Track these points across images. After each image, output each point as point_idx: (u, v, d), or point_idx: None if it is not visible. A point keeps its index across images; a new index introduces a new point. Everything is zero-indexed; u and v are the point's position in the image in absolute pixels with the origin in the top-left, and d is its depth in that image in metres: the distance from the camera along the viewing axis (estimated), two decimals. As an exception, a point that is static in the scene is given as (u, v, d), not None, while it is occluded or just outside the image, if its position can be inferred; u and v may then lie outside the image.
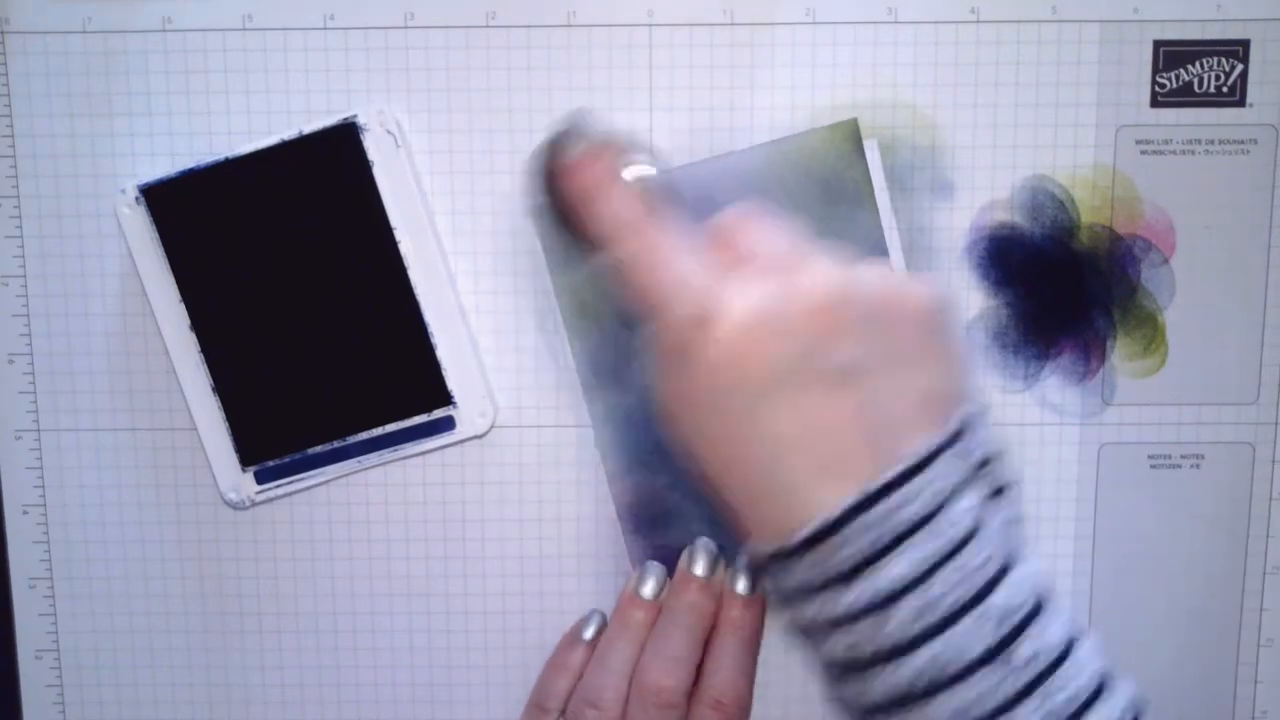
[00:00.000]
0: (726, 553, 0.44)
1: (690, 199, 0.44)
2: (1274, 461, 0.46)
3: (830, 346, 0.33)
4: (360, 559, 0.47)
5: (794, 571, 0.33)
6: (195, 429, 0.45)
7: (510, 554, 0.47)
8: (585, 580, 0.47)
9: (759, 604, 0.44)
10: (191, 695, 0.48)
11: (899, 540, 0.31)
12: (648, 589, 0.44)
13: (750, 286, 0.33)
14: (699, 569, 0.44)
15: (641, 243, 0.36)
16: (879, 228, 0.44)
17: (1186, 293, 0.45)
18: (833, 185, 0.44)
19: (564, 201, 0.38)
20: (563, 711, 0.44)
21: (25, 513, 0.47)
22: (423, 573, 0.47)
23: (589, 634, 0.46)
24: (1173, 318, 0.45)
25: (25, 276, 0.45)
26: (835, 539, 0.32)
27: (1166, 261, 0.45)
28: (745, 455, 0.33)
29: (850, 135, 0.44)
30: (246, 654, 0.48)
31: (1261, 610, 0.47)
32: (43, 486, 0.47)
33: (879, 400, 0.33)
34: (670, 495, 0.46)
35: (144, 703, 0.48)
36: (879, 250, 0.44)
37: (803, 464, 0.32)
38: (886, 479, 0.32)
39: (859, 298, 0.33)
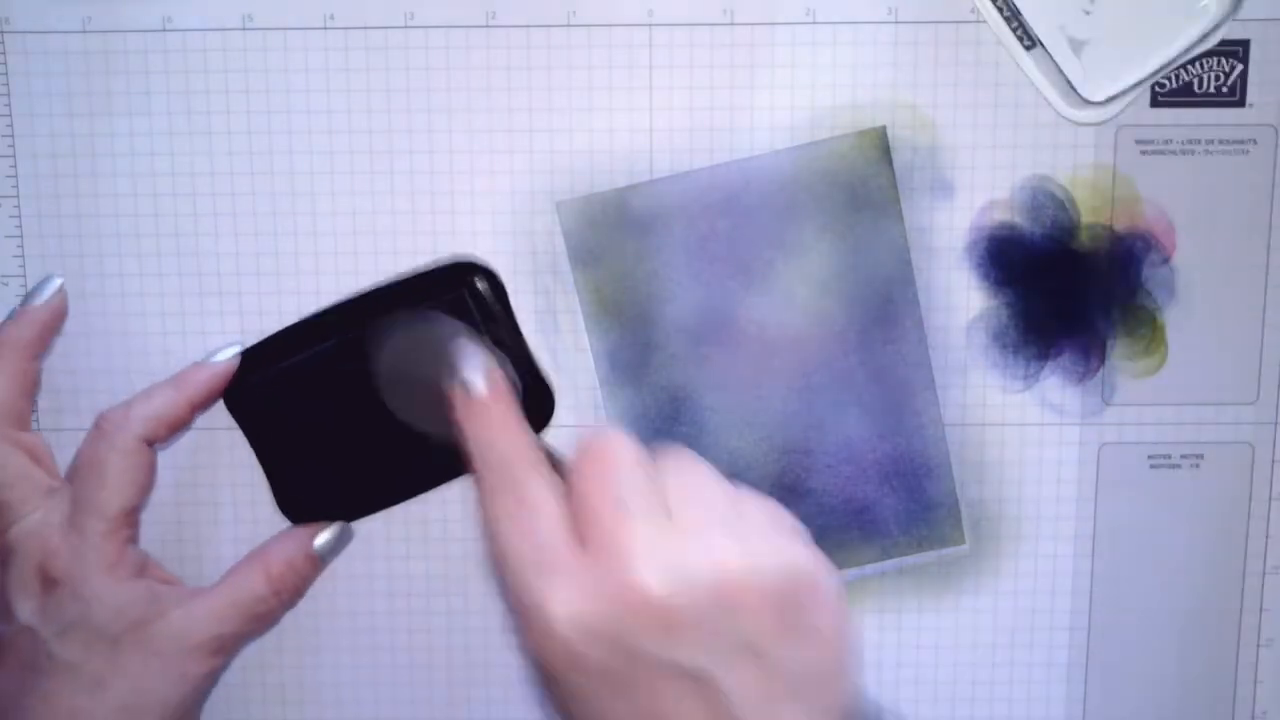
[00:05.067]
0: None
1: (715, 200, 0.44)
2: (1274, 461, 0.46)
3: (673, 648, 0.30)
4: (360, 558, 0.47)
5: None
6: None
7: (510, 554, 0.47)
8: (585, 580, 0.47)
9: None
10: (191, 695, 0.48)
11: None
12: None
13: (585, 585, 0.31)
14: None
15: (504, 503, 0.33)
16: (904, 235, 0.44)
17: (1186, 293, 0.45)
18: (859, 192, 0.44)
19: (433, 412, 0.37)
20: None
21: (25, 513, 0.47)
22: (423, 573, 0.47)
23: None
24: (1173, 318, 0.45)
25: (25, 276, 0.45)
26: None
27: (1166, 261, 0.45)
28: None
29: (878, 142, 0.44)
30: (247, 654, 0.48)
31: (1261, 610, 0.47)
32: (43, 486, 0.47)
33: (736, 697, 0.30)
34: None
35: (144, 703, 0.48)
36: (902, 259, 0.44)
37: None
38: None
39: (697, 592, 0.30)
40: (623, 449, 0.33)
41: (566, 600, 0.31)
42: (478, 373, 0.36)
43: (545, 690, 0.33)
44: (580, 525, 0.32)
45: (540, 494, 0.33)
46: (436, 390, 0.37)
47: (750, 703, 0.31)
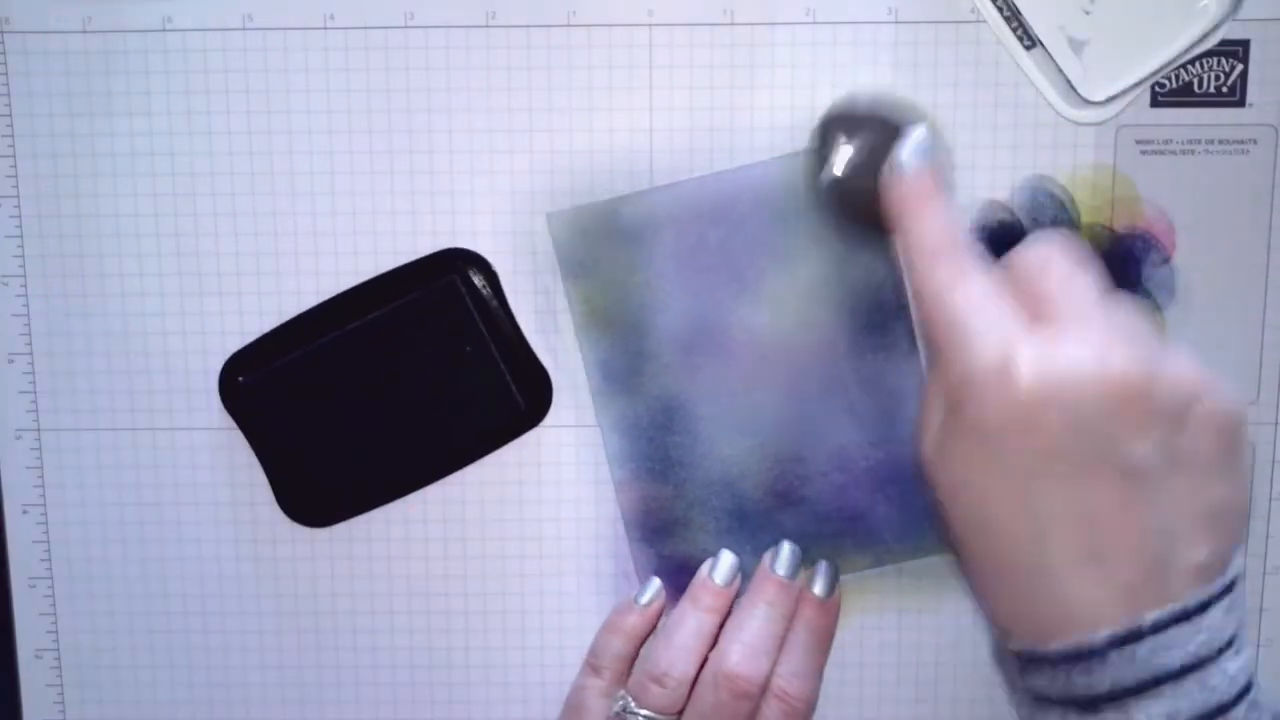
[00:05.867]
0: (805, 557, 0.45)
1: (705, 209, 0.44)
2: (1274, 461, 0.46)
3: (1128, 438, 0.31)
4: (360, 558, 0.47)
5: (1039, 675, 0.32)
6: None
7: (511, 554, 0.47)
8: (586, 580, 0.47)
9: (834, 608, 0.44)
10: (191, 695, 0.48)
11: (1159, 681, 0.30)
12: (721, 575, 0.44)
13: (1057, 349, 0.31)
14: (782, 569, 0.44)
15: (948, 273, 0.34)
16: (893, 243, 0.44)
17: (1186, 293, 0.45)
18: None
19: (868, 195, 0.38)
20: (618, 675, 0.44)
21: (25, 513, 0.47)
22: (423, 573, 0.47)
23: (645, 599, 0.45)
24: (1173, 318, 0.45)
25: (25, 276, 0.45)
26: (1093, 661, 0.30)
27: (1167, 261, 0.45)
28: (1009, 528, 0.32)
29: None
30: (247, 654, 0.48)
31: (1261, 610, 0.47)
32: (43, 486, 0.47)
33: (1164, 508, 0.31)
34: (678, 504, 0.46)
35: (144, 703, 0.48)
36: (892, 265, 0.44)
37: (1069, 551, 0.31)
38: (1157, 618, 0.30)
39: (1168, 391, 0.31)
40: (1079, 258, 0.34)
41: (1037, 359, 0.31)
42: (914, 154, 0.38)
43: (957, 469, 0.33)
44: (1030, 302, 0.33)
45: (983, 271, 0.34)
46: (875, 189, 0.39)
47: (1174, 517, 0.31)
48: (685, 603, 0.44)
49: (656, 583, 0.46)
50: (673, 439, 0.45)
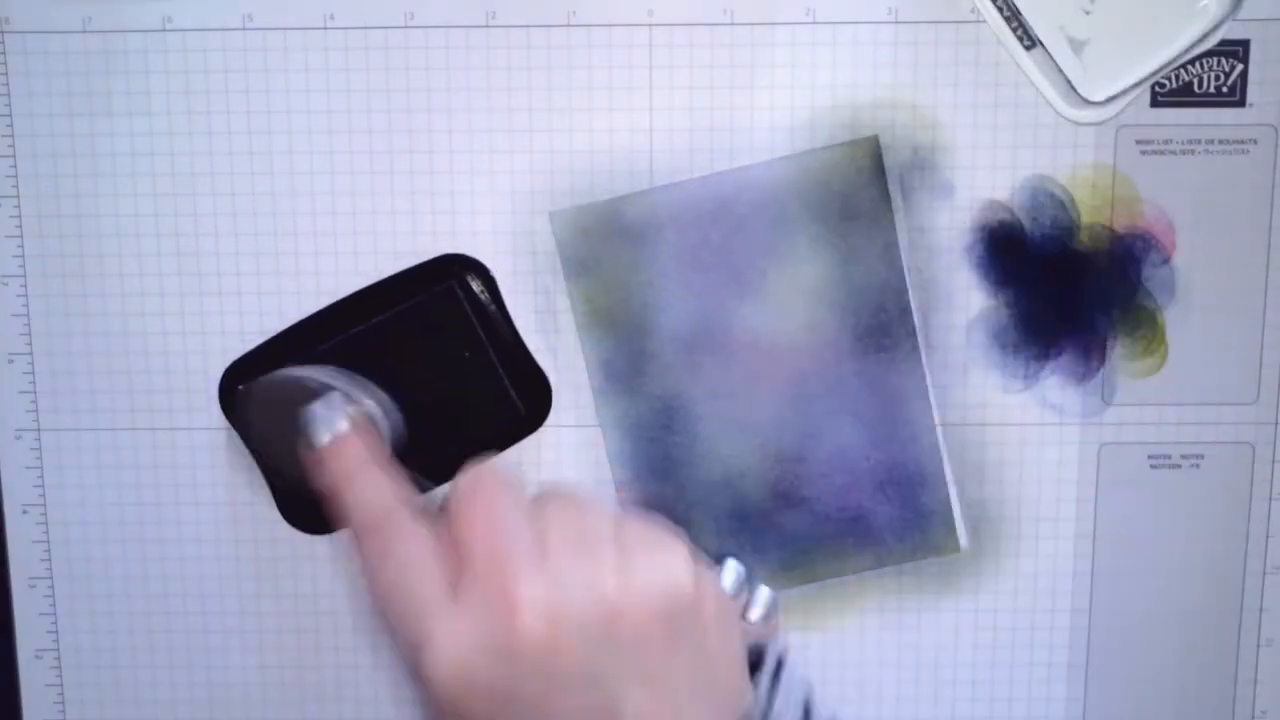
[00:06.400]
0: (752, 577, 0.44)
1: (708, 209, 0.44)
2: (1274, 461, 0.46)
3: (555, 691, 0.30)
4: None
5: None
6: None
7: (510, 554, 0.47)
8: (585, 580, 0.47)
9: (772, 635, 0.44)
10: (191, 695, 0.48)
11: None
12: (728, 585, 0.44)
13: (459, 621, 0.31)
14: (725, 587, 0.43)
15: (380, 550, 0.34)
16: (896, 244, 0.44)
17: (1186, 293, 0.45)
18: (851, 201, 0.44)
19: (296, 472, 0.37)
20: None
21: (25, 513, 0.47)
22: (423, 573, 0.47)
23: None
24: (1173, 318, 0.45)
25: (25, 276, 0.45)
26: None
27: (1167, 261, 0.45)
28: None
29: (871, 152, 0.44)
30: (246, 654, 0.48)
31: (1261, 610, 0.47)
32: (43, 486, 0.47)
33: (632, 698, 0.31)
34: (678, 504, 0.46)
35: (144, 703, 0.48)
36: (895, 267, 0.44)
37: None
38: None
39: (576, 611, 0.31)
40: (498, 489, 0.33)
41: (445, 648, 0.31)
42: (324, 430, 0.37)
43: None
44: (458, 568, 0.32)
45: (406, 543, 0.33)
46: (300, 450, 0.38)
47: (652, 705, 0.31)
48: None
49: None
50: (674, 439, 0.45)
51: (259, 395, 0.41)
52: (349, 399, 0.39)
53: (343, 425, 0.38)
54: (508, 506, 0.33)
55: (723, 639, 0.33)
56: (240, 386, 0.45)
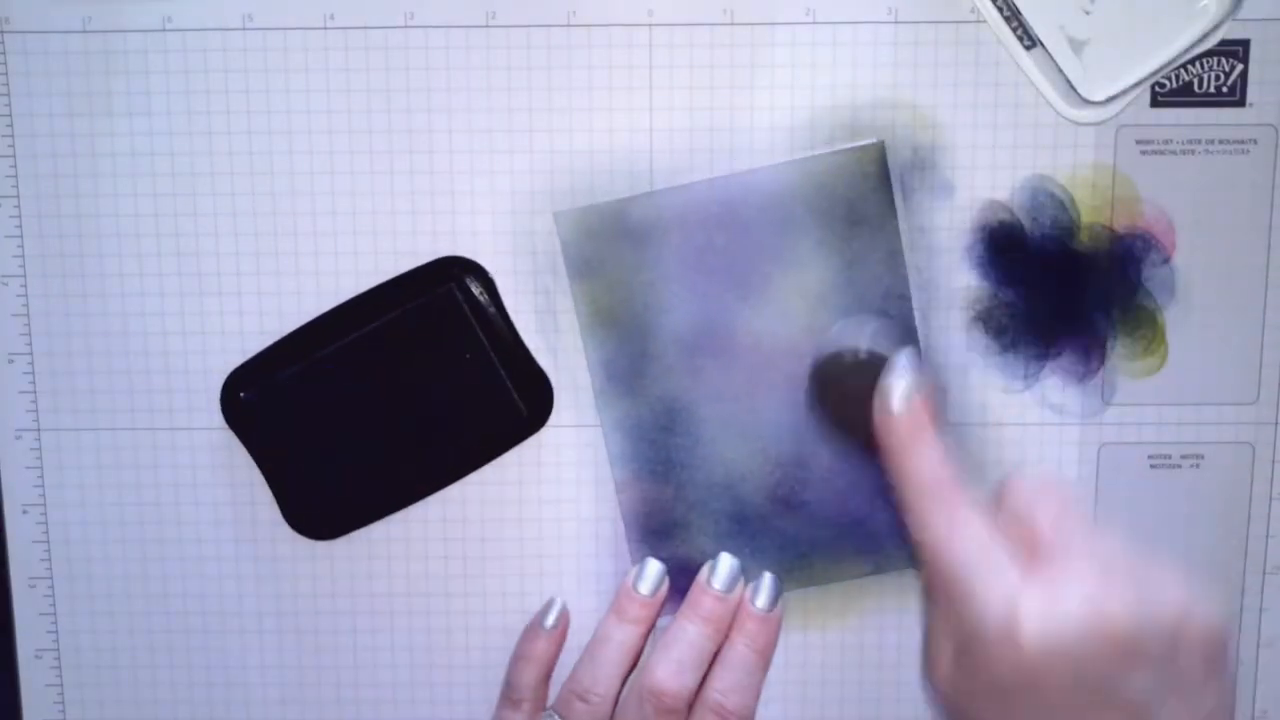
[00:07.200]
0: (746, 571, 0.45)
1: (712, 213, 0.44)
2: (1274, 461, 0.46)
3: (1126, 677, 0.33)
4: (360, 558, 0.47)
5: None
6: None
7: (511, 554, 0.47)
8: (586, 580, 0.47)
9: (775, 622, 0.44)
10: (191, 695, 0.48)
11: None
12: (645, 586, 0.44)
13: (1055, 603, 0.33)
14: (719, 584, 0.44)
15: (945, 518, 0.36)
16: (900, 250, 0.44)
17: (1186, 293, 0.45)
18: (856, 206, 0.44)
19: (861, 428, 0.39)
20: (538, 702, 0.44)
21: (25, 513, 0.47)
22: (423, 572, 0.47)
23: (550, 622, 0.45)
24: (1173, 318, 0.45)
25: (25, 276, 0.45)
26: None
27: (1167, 261, 0.45)
28: None
29: (876, 158, 0.44)
30: (246, 654, 0.48)
31: (1261, 610, 0.47)
32: (43, 486, 0.47)
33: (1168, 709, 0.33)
34: (678, 506, 0.46)
35: (144, 703, 0.48)
36: (898, 273, 0.44)
37: None
38: None
39: (1159, 626, 0.33)
40: (1063, 488, 0.37)
41: (1039, 615, 0.33)
42: (902, 398, 0.39)
43: (973, 709, 0.35)
44: (1028, 551, 0.35)
45: (978, 518, 0.36)
46: (866, 412, 0.40)
47: None
48: (610, 617, 0.44)
49: (559, 603, 0.46)
50: (674, 441, 0.45)
51: (836, 358, 0.43)
52: (919, 370, 0.40)
53: (917, 396, 0.39)
54: (1072, 502, 0.36)
55: (1232, 682, 0.37)
56: (242, 395, 0.45)
